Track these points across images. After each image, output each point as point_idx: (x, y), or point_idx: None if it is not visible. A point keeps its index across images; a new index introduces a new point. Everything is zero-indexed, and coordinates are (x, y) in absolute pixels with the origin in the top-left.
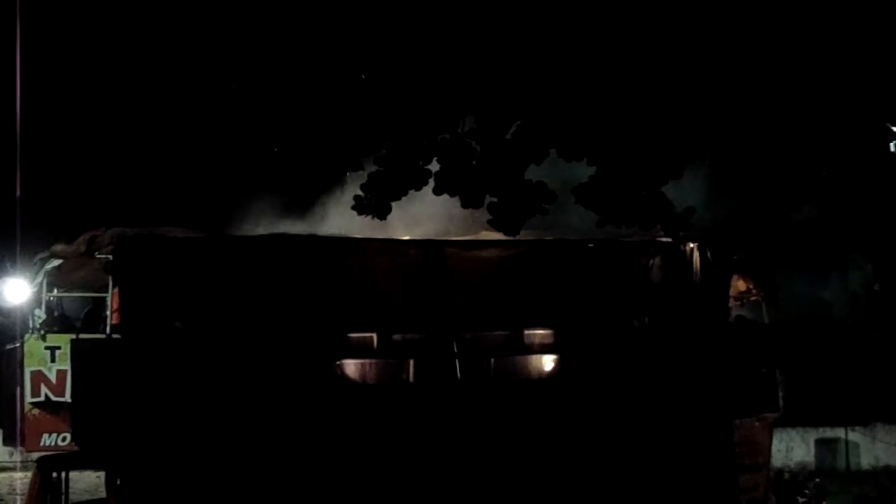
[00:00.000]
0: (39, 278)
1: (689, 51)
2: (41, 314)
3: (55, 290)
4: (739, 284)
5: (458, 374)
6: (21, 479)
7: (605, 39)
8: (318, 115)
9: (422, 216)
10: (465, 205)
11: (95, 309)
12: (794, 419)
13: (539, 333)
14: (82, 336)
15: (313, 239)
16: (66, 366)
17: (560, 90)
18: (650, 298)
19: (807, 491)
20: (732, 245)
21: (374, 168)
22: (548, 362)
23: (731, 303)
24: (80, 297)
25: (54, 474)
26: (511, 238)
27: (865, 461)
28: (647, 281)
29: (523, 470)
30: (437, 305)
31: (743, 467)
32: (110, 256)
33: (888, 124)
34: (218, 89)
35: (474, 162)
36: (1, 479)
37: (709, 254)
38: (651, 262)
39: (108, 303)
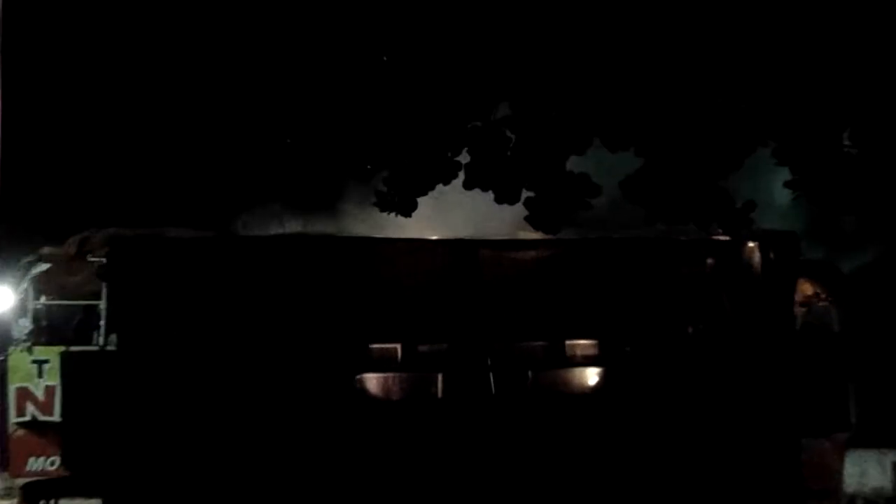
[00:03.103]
0: (25, 284)
1: (750, 24)
2: (27, 324)
3: (42, 298)
4: (806, 288)
5: (493, 390)
6: None
7: (655, 13)
8: (334, 101)
9: (451, 213)
10: (499, 200)
11: (87, 318)
12: (869, 439)
13: (582, 343)
14: (73, 348)
15: (330, 239)
16: (56, 381)
17: (604, 71)
18: (706, 304)
19: None
20: (798, 244)
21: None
22: (592, 375)
23: (798, 309)
24: (70, 304)
25: (42, 502)
26: (551, 237)
27: None
28: (703, 284)
29: (565, 496)
30: (468, 313)
31: (811, 493)
32: (104, 259)
33: None
34: (222, 74)
35: (509, 152)
36: None
37: (772, 254)
38: (707, 263)
39: (102, 311)
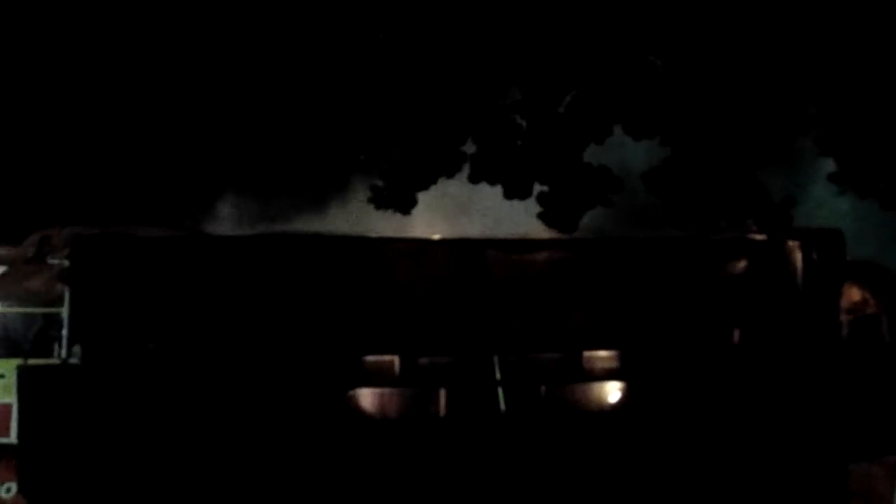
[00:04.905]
0: None
1: None
2: None
3: None
4: (853, 293)
5: (502, 407)
6: None
7: None
8: (324, 83)
9: (455, 210)
10: (508, 195)
11: (47, 327)
12: None
13: (602, 355)
14: (31, 362)
15: (320, 239)
16: (11, 399)
17: (626, 50)
18: (739, 312)
19: None
20: (844, 244)
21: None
22: (613, 391)
23: (844, 317)
24: (28, 312)
25: None
26: (566, 236)
27: None
28: (736, 289)
29: None
30: (474, 321)
31: None
32: (66, 261)
33: None
34: (194, 55)
35: (520, 142)
36: None
37: (814, 255)
38: (741, 265)
39: (64, 319)
